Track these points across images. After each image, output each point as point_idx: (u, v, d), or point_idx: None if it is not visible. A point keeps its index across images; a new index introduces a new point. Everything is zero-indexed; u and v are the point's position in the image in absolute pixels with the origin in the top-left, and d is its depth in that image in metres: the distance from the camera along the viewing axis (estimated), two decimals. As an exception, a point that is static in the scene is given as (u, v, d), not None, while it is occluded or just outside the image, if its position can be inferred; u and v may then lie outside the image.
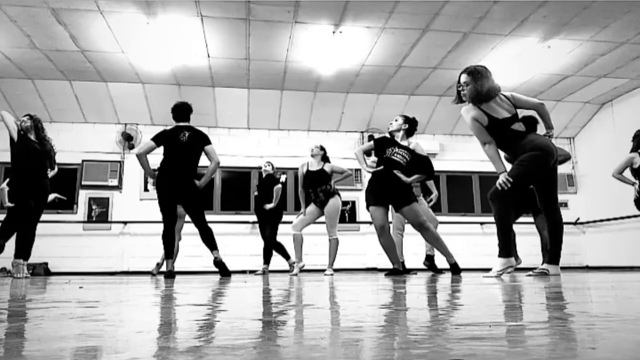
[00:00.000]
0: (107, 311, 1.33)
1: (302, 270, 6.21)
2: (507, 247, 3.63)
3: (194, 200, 4.87)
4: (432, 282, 3.17)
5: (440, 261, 5.57)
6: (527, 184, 3.76)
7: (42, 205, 5.26)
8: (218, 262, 4.71)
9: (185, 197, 4.83)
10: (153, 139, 4.88)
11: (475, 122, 3.65)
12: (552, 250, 3.81)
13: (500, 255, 3.64)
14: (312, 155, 5.84)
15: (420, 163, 4.68)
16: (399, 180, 4.61)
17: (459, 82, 3.73)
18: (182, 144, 4.81)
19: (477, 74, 3.63)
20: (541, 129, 5.49)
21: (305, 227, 5.70)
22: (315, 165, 5.75)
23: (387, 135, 4.91)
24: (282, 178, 6.96)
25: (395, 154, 4.66)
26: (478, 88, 3.59)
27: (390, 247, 4.76)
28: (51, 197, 5.78)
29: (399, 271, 4.76)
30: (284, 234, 6.67)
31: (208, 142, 4.95)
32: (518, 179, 3.56)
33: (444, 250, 4.68)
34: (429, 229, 4.62)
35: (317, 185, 5.61)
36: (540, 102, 3.79)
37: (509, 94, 3.74)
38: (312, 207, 5.67)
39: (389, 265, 4.92)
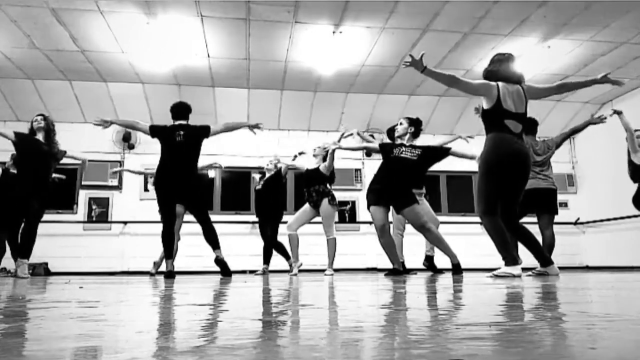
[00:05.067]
0: (107, 311, 1.33)
1: (301, 270, 6.21)
2: (510, 255, 3.58)
3: (196, 199, 4.87)
4: (431, 282, 3.17)
5: (441, 261, 5.56)
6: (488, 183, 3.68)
7: (43, 205, 5.26)
8: (219, 261, 4.70)
9: (186, 196, 4.83)
10: (151, 127, 4.92)
11: (485, 85, 3.58)
12: (536, 256, 3.79)
13: (507, 265, 3.58)
14: (314, 155, 5.87)
15: (438, 151, 4.78)
16: (400, 182, 4.63)
17: None
18: (177, 143, 4.80)
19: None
20: (542, 132, 5.51)
21: (300, 227, 5.69)
22: (313, 164, 5.77)
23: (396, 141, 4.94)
24: (283, 178, 6.92)
25: (404, 152, 4.69)
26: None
27: (391, 247, 4.76)
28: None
29: (399, 271, 4.76)
30: (284, 234, 6.67)
31: (206, 132, 4.91)
32: (481, 177, 3.62)
33: (447, 250, 4.67)
34: (430, 230, 4.61)
35: (311, 185, 5.62)
36: (556, 84, 3.80)
37: (526, 86, 3.73)
38: (306, 207, 5.67)
39: (389, 265, 4.92)
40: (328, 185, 5.67)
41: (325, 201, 5.51)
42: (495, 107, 3.55)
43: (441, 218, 6.08)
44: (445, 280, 3.30)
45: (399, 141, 4.87)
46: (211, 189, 8.81)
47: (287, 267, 6.61)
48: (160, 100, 8.11)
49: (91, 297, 1.87)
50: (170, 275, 4.59)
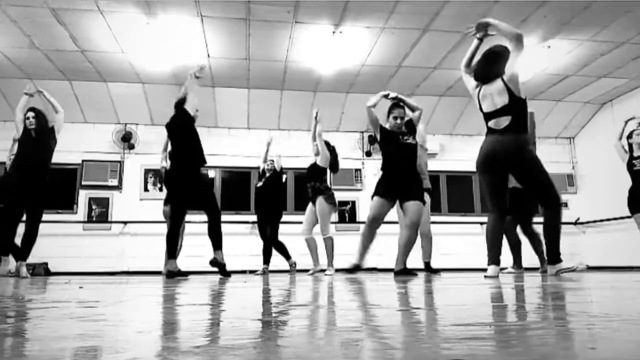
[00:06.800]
0: (107, 311, 1.33)
1: (300, 270, 6.21)
2: (495, 256, 3.67)
3: (200, 196, 4.80)
4: (431, 282, 3.17)
5: (441, 261, 5.55)
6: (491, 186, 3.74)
7: (41, 205, 5.26)
8: (217, 263, 4.63)
9: (196, 194, 4.75)
10: (178, 105, 4.89)
11: (470, 89, 3.82)
12: (548, 251, 3.78)
13: (489, 264, 3.66)
14: (316, 154, 5.88)
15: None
16: (413, 176, 4.59)
17: None
18: (173, 134, 4.86)
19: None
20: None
21: (313, 228, 5.66)
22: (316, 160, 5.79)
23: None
24: (282, 178, 6.94)
25: (405, 139, 4.62)
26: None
27: (366, 241, 4.65)
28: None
29: (358, 268, 4.68)
30: (285, 234, 6.67)
31: (185, 113, 4.76)
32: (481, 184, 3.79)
33: (406, 254, 4.54)
34: (413, 232, 4.49)
35: (308, 181, 5.62)
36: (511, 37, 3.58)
37: (507, 77, 3.54)
38: (310, 206, 5.67)
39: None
40: (327, 182, 5.61)
41: (320, 198, 5.48)
42: (480, 109, 3.75)
43: (441, 218, 6.09)
44: (445, 281, 3.30)
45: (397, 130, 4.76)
46: (211, 189, 8.80)
47: (287, 267, 6.61)
48: (160, 100, 8.11)
49: (91, 297, 1.87)
50: (170, 275, 4.58)
